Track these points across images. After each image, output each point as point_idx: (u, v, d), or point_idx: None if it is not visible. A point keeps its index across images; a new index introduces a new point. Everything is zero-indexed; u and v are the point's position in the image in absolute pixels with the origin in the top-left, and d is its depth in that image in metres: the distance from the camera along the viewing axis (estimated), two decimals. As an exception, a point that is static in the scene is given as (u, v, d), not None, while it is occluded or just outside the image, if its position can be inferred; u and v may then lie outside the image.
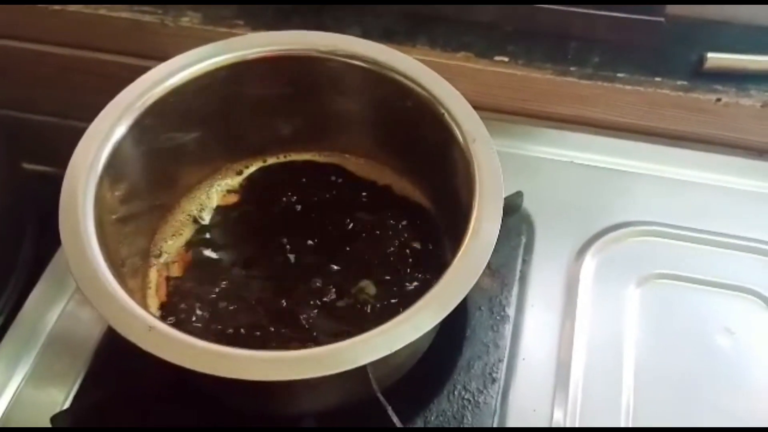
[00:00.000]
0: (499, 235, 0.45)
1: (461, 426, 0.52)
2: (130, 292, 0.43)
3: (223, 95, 0.55)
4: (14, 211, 0.74)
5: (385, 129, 0.58)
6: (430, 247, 0.55)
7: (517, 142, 0.67)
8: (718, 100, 0.65)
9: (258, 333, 0.50)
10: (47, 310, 0.58)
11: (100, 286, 0.42)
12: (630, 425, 0.52)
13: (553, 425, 0.52)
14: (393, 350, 0.40)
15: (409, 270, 0.53)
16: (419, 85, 0.52)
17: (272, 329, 0.50)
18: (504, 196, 0.47)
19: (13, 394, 0.54)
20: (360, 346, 0.41)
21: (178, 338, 0.40)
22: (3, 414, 0.53)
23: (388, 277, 0.53)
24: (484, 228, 0.45)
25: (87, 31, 0.74)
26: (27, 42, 0.77)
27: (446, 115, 0.51)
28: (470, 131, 0.49)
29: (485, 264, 0.44)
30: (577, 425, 0.52)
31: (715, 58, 0.65)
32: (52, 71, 0.79)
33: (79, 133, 0.49)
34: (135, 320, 0.41)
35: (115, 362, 0.54)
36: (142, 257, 0.54)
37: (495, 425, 0.52)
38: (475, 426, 0.52)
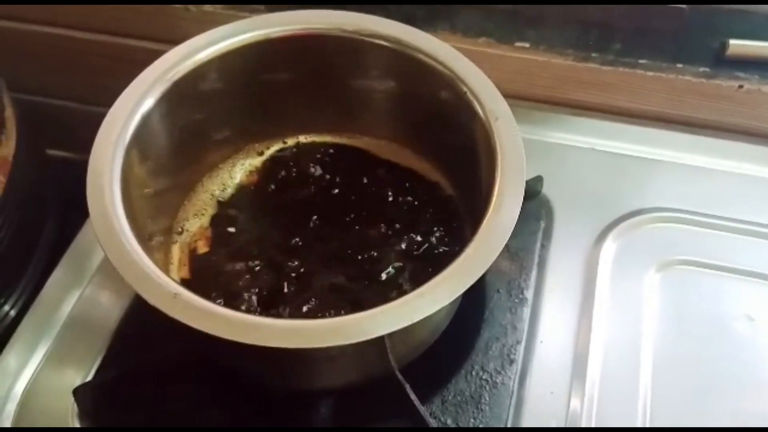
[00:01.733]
0: (518, 219, 0.45)
1: (479, 406, 0.52)
2: (156, 263, 0.44)
3: (245, 74, 0.55)
4: (37, 197, 0.74)
5: (407, 109, 0.58)
6: (451, 227, 0.55)
7: (537, 128, 0.67)
8: (740, 87, 0.65)
9: (276, 312, 0.51)
10: (67, 293, 0.59)
11: (125, 253, 0.42)
12: (648, 409, 0.52)
13: (571, 408, 0.52)
14: (412, 322, 0.40)
15: (429, 249, 0.54)
16: (441, 63, 0.52)
17: (290, 308, 0.51)
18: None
19: (32, 374, 0.55)
20: (378, 317, 0.41)
21: (201, 305, 0.41)
22: (23, 392, 0.54)
23: (407, 257, 0.53)
24: (505, 204, 0.45)
25: (110, 15, 0.75)
26: (50, 27, 0.78)
27: (468, 93, 0.51)
28: (493, 109, 0.50)
29: (506, 240, 0.44)
30: (594, 408, 0.52)
31: (737, 45, 0.64)
32: (76, 57, 0.80)
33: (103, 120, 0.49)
34: (160, 287, 0.41)
35: (133, 345, 0.55)
36: (165, 234, 0.55)
37: (512, 406, 0.52)
38: (492, 405, 0.52)
